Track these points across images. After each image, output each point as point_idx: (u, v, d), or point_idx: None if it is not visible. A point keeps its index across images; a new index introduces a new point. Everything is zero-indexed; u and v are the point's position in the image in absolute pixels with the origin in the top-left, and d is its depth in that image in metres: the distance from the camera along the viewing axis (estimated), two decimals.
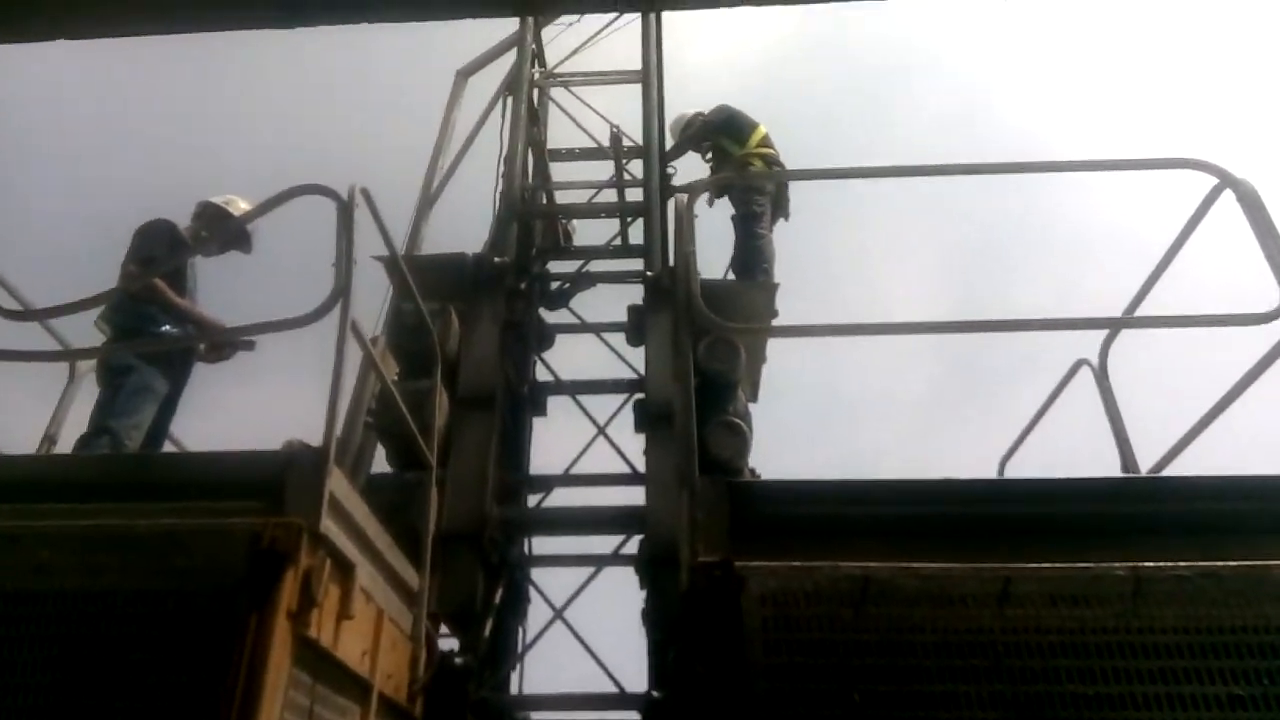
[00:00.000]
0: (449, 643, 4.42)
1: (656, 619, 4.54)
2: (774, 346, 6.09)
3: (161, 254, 4.89)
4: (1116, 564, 2.45)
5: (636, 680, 4.83)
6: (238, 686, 2.33)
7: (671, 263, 5.92)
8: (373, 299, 5.79)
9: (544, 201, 7.47)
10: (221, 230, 5.27)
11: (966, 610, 2.41)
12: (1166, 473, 3.55)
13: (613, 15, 8.20)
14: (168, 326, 4.88)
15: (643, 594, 5.12)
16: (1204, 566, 2.42)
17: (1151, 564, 2.43)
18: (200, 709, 2.31)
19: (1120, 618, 2.39)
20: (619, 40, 8.37)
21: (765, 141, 7.17)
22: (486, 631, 4.65)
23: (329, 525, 2.76)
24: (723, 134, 7.22)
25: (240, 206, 5.34)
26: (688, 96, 8.53)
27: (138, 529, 2.59)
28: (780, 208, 7.03)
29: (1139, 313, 3.82)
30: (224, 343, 5.18)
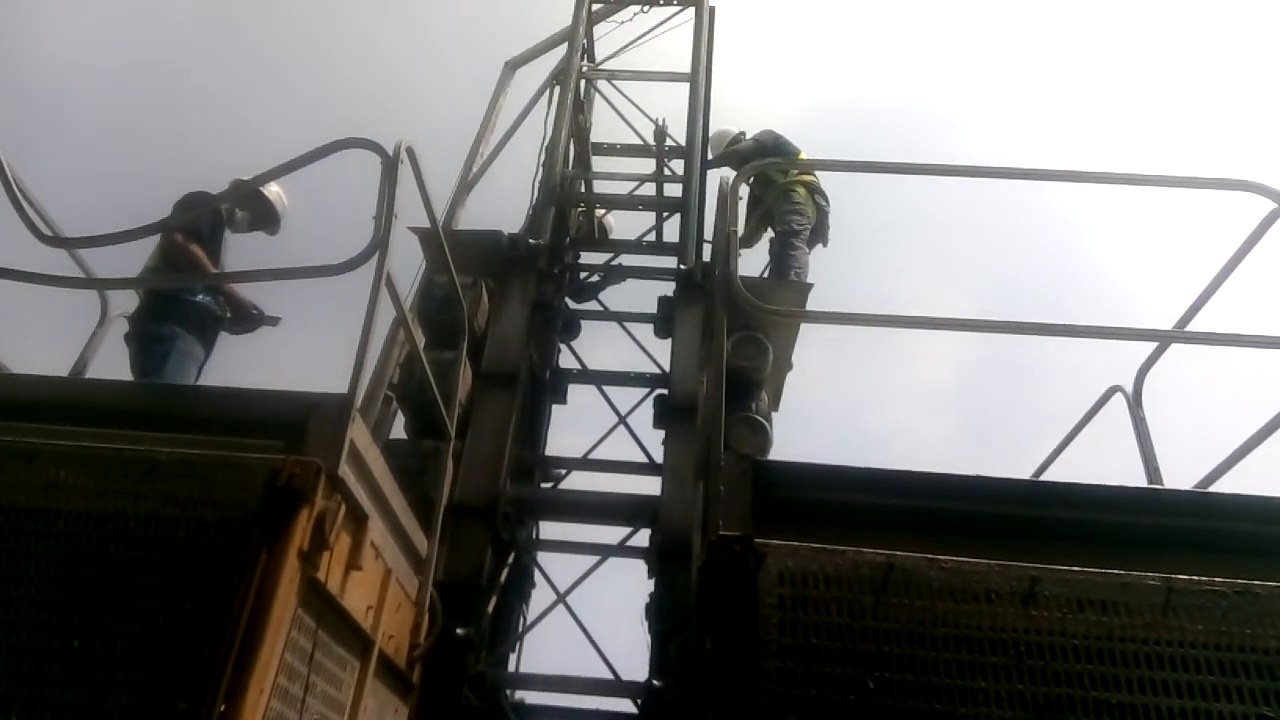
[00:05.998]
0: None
1: (661, 610, 4.48)
2: (796, 384, 6.05)
3: (205, 227, 5.06)
4: (1149, 573, 2.37)
5: (631, 671, 4.78)
6: (242, 619, 2.30)
7: (706, 258, 5.90)
8: (402, 275, 5.81)
9: (582, 190, 7.46)
10: (252, 209, 5.47)
11: (991, 607, 2.34)
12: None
13: (665, 15, 8.22)
14: (203, 297, 5.00)
15: (647, 587, 5.06)
16: (1240, 584, 2.34)
17: (1185, 576, 2.36)
18: (203, 637, 2.28)
19: (1149, 628, 2.32)
20: (666, 43, 8.41)
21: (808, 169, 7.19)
22: (490, 607, 4.59)
23: (347, 472, 2.73)
24: (770, 158, 7.22)
25: (272, 189, 5.49)
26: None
27: (157, 455, 2.57)
28: (820, 233, 7.05)
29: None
30: (251, 315, 5.24)
